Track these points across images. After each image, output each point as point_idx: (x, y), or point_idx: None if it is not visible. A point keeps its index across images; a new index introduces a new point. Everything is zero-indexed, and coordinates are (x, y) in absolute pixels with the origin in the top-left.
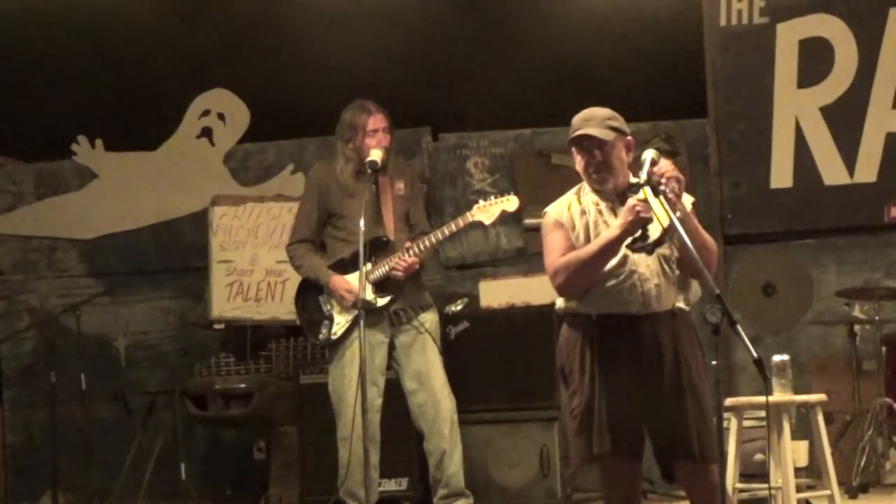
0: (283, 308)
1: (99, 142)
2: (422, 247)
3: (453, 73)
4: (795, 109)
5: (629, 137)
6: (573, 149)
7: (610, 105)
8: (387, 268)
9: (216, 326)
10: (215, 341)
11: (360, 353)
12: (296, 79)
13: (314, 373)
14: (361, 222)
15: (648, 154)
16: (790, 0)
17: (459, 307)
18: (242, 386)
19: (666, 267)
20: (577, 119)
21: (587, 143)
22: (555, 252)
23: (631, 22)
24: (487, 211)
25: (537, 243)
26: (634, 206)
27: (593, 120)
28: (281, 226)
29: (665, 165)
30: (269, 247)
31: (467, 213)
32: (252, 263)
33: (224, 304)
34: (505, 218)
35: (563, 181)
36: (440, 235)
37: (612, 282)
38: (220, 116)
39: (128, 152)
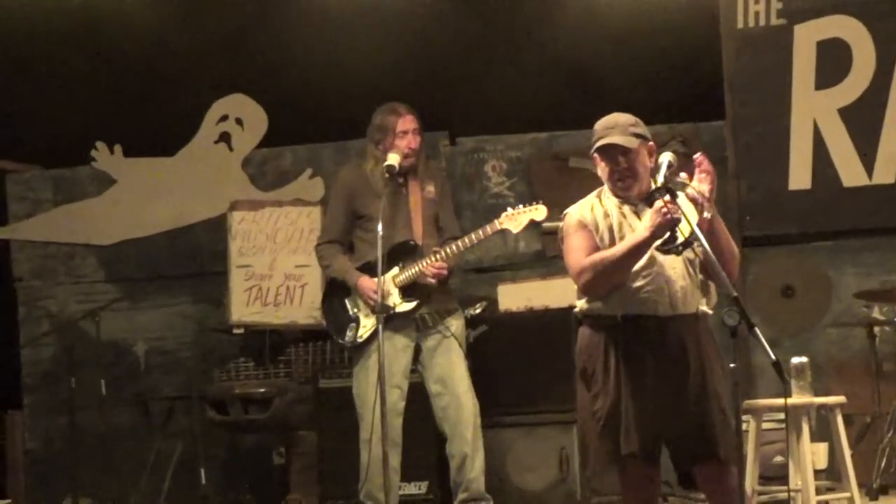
0: (301, 312)
1: (117, 148)
2: (449, 252)
3: (470, 77)
4: (813, 111)
5: (651, 143)
6: (596, 156)
7: (626, 108)
8: (414, 272)
9: (235, 331)
10: (234, 346)
11: (379, 358)
12: (312, 84)
13: (333, 377)
14: (379, 226)
15: (665, 157)
16: (807, 1)
17: (478, 310)
18: (261, 391)
19: (690, 269)
20: (599, 126)
21: (612, 151)
22: (579, 251)
23: (647, 24)
24: (515, 219)
25: (555, 247)
26: (662, 207)
27: (617, 127)
28: (299, 230)
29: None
30: (288, 251)
31: (495, 221)
32: (271, 268)
33: (243, 308)
34: None
35: (581, 184)
36: (468, 242)
37: (640, 283)
38: (238, 121)
39: (146, 158)
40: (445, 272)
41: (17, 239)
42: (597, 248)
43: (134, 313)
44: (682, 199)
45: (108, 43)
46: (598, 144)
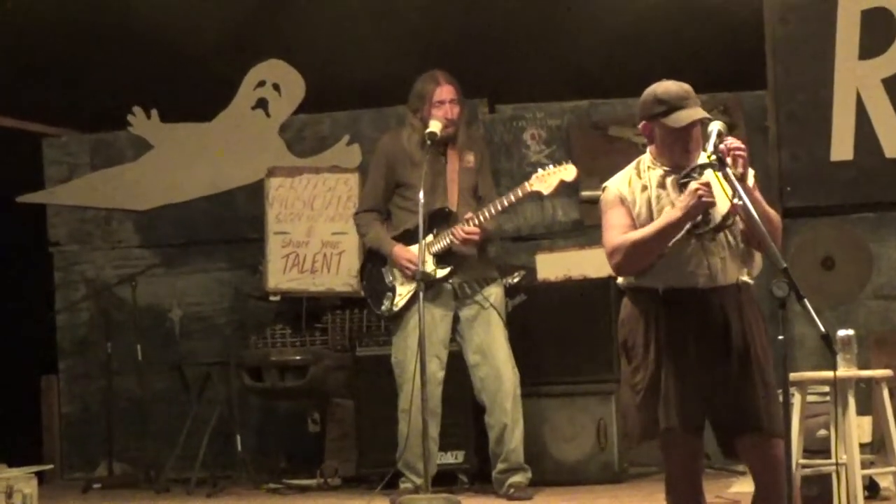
0: (338, 280)
1: (154, 112)
2: (481, 217)
3: (510, 44)
4: (856, 81)
5: None
6: (658, 128)
7: (668, 76)
8: (448, 240)
9: (272, 298)
10: (270, 313)
11: (419, 327)
12: (351, 49)
13: (370, 345)
14: (421, 194)
15: (715, 126)
16: None
17: (516, 279)
18: (298, 358)
19: (731, 240)
20: (668, 96)
21: (691, 125)
22: (614, 229)
23: None
24: (545, 181)
25: (594, 215)
26: (697, 189)
27: (691, 98)
28: (336, 197)
29: (729, 140)
30: (325, 218)
31: (525, 184)
32: (308, 235)
33: (280, 275)
34: (561, 190)
35: (620, 153)
36: (499, 206)
37: (679, 255)
38: (276, 87)
39: (183, 123)
40: (476, 237)
41: (54, 203)
42: (633, 225)
43: (170, 279)
44: (717, 178)
45: (147, 7)
46: (687, 120)
